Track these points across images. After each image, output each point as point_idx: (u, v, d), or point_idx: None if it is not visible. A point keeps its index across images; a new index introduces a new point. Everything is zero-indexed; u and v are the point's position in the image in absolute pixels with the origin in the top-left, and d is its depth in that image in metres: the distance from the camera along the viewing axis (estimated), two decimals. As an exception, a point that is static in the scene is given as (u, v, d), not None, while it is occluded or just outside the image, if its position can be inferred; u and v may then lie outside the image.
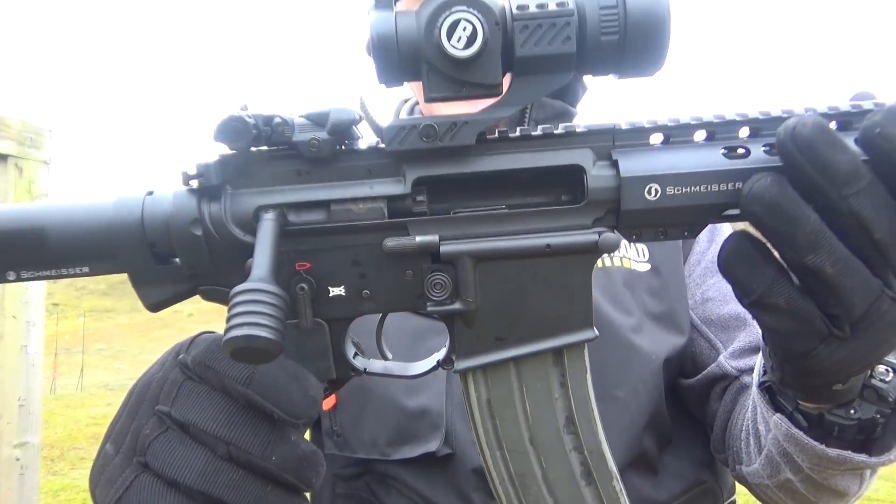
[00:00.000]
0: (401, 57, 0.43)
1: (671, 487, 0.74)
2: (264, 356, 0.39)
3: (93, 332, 13.20)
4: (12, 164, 2.12)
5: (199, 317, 16.43)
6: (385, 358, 0.52)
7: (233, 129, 0.44)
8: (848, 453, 0.56)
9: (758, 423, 0.66)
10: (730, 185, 0.44)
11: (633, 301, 0.77)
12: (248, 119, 0.44)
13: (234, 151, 0.46)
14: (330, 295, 0.48)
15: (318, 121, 0.46)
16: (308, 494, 0.52)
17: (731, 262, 0.44)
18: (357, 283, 0.48)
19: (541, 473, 0.49)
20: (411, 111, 0.90)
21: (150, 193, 0.48)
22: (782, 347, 0.45)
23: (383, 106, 0.97)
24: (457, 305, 0.47)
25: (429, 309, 0.47)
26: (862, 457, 0.55)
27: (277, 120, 0.46)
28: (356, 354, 0.51)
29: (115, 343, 13.96)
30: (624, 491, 0.49)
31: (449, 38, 0.42)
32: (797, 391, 0.55)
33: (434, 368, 0.51)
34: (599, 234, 0.45)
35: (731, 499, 0.83)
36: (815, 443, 0.57)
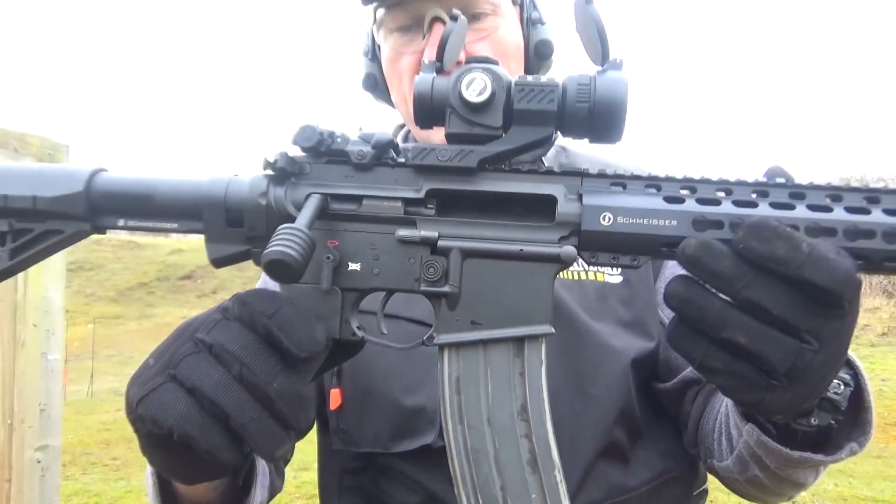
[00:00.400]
0: (433, 106, 0.58)
1: (640, 475, 0.81)
2: (290, 272, 0.51)
3: (102, 338, 13.30)
4: (32, 180, 2.21)
5: (206, 323, 16.58)
6: (382, 333, 0.62)
7: (306, 136, 0.59)
8: (809, 454, 0.64)
9: (730, 427, 0.74)
10: (666, 222, 0.54)
11: (605, 309, 0.84)
12: (318, 130, 0.59)
13: (303, 153, 0.61)
14: (348, 269, 0.60)
15: (366, 139, 0.61)
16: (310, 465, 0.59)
17: (673, 338, 0.54)
18: (371, 262, 0.60)
19: (493, 453, 0.57)
20: (405, 138, 0.98)
21: (236, 176, 0.63)
22: (735, 399, 0.55)
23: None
24: (445, 288, 0.58)
25: (421, 289, 0.58)
26: (819, 456, 0.64)
27: (338, 134, 0.61)
28: (359, 328, 0.60)
29: (124, 349, 14.04)
30: (564, 482, 0.57)
31: (466, 88, 0.57)
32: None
33: (420, 344, 0.60)
34: (562, 247, 0.57)
35: (703, 487, 0.89)
36: (782, 447, 0.65)
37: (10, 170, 0.65)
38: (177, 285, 20.10)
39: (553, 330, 0.58)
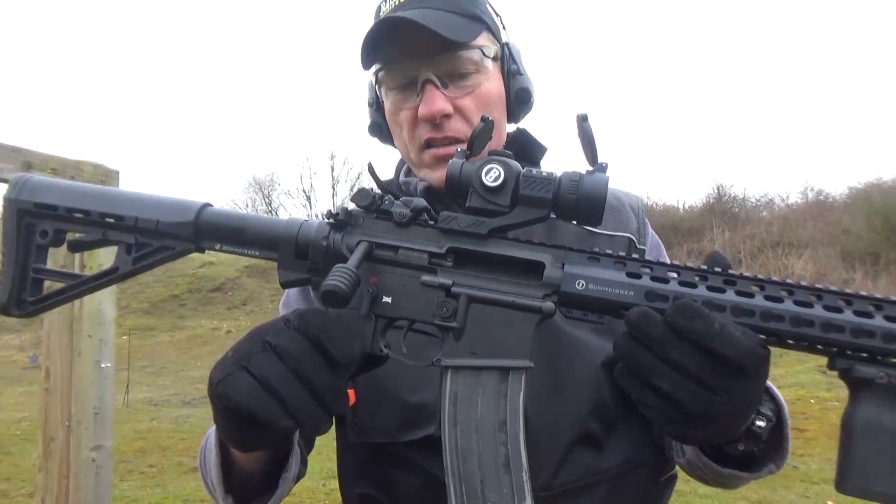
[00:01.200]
0: (460, 184, 0.74)
1: (611, 460, 0.92)
2: (339, 300, 0.65)
3: (136, 349, 13.55)
4: (87, 204, 2.42)
5: (236, 334, 16.79)
6: (402, 352, 0.77)
7: (361, 197, 0.76)
8: (736, 472, 0.83)
9: None
10: (625, 292, 0.70)
11: None
12: (371, 192, 0.76)
13: (359, 209, 0.77)
14: (382, 300, 0.75)
15: (406, 203, 0.76)
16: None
17: (618, 376, 0.70)
18: (399, 297, 0.75)
19: (477, 452, 0.72)
20: (408, 173, 1.11)
21: (306, 220, 0.79)
22: (660, 429, 0.71)
23: (385, 167, 1.21)
24: (453, 324, 0.73)
25: (435, 322, 0.74)
26: (745, 474, 0.83)
27: (387, 197, 0.77)
28: (386, 346, 0.76)
29: (157, 360, 14.28)
30: (529, 482, 0.71)
31: (485, 175, 0.73)
32: None
33: (430, 364, 0.75)
34: (544, 303, 0.72)
35: (671, 473, 1.00)
36: (716, 465, 0.84)
37: (142, 197, 0.81)
38: (207, 297, 20.48)
39: (532, 364, 0.73)
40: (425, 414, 0.91)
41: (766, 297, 0.67)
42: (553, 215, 0.74)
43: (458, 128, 0.97)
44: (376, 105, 1.07)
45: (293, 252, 0.77)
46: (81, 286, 0.82)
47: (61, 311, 2.25)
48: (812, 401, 8.54)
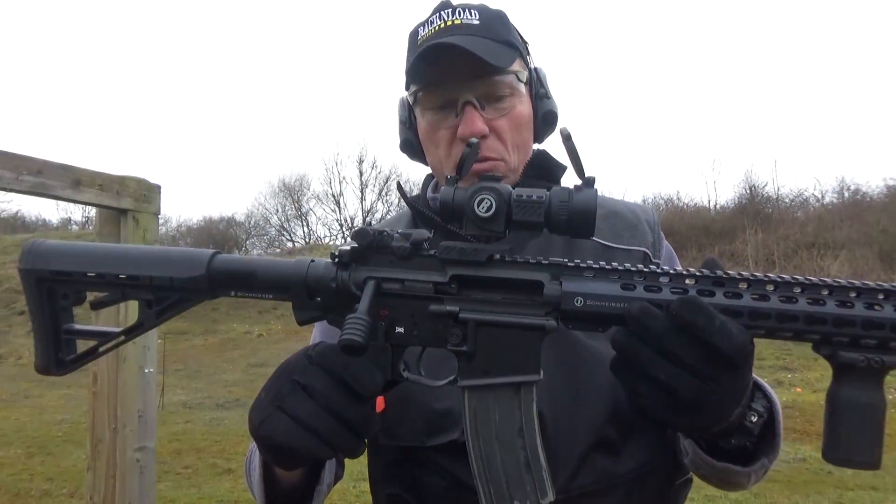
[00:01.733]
0: (454, 210, 0.77)
1: (628, 465, 0.96)
2: (357, 350, 0.68)
3: (171, 353, 13.73)
4: (131, 217, 2.55)
5: (267, 337, 17.06)
6: (420, 374, 0.82)
7: (361, 235, 0.78)
8: (730, 465, 0.86)
9: (683, 439, 0.94)
10: (620, 304, 0.73)
11: None
12: (370, 230, 0.78)
13: (360, 246, 0.79)
14: (395, 331, 0.79)
15: (405, 236, 0.79)
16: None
17: (614, 369, 0.75)
18: (411, 326, 0.79)
19: (500, 458, 0.78)
20: (435, 188, 1.16)
21: (313, 261, 0.82)
22: (653, 417, 0.75)
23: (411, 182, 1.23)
24: (464, 348, 0.77)
25: (447, 348, 0.78)
26: (738, 467, 0.86)
27: (385, 233, 0.79)
28: (405, 368, 0.81)
29: (191, 364, 14.48)
30: (549, 479, 0.77)
31: (478, 206, 0.75)
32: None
33: (448, 384, 0.80)
34: (547, 320, 0.76)
35: (686, 477, 1.03)
36: (711, 458, 0.87)
37: (152, 253, 0.84)
38: (240, 301, 20.76)
39: (542, 376, 0.77)
40: (450, 420, 0.95)
41: (753, 297, 0.71)
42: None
43: (493, 146, 1.02)
44: (409, 123, 1.12)
45: (304, 293, 0.81)
46: (112, 340, 0.87)
47: (109, 319, 2.37)
48: (848, 406, 8.36)
